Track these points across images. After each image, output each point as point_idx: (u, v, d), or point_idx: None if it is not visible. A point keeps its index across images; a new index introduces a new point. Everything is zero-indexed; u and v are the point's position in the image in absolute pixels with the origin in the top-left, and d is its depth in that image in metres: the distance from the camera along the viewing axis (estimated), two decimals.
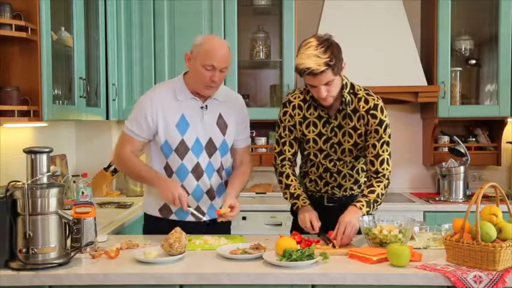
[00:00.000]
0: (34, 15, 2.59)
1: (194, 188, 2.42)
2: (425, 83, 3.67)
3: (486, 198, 3.23)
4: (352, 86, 2.38)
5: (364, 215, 2.23)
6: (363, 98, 2.36)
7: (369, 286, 1.85)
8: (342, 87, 2.33)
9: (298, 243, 2.07)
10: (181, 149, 2.38)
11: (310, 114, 2.41)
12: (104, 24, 3.50)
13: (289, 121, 2.44)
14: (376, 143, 2.34)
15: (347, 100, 2.34)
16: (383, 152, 2.35)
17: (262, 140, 3.95)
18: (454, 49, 3.81)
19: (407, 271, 1.86)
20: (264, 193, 3.87)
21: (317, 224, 2.28)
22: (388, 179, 2.36)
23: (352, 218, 2.19)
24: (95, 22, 3.41)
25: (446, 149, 3.90)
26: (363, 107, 2.35)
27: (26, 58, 2.61)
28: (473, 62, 3.90)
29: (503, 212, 1.93)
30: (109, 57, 3.56)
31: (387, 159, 2.35)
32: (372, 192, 2.30)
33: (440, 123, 3.84)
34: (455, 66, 3.82)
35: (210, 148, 2.42)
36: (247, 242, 2.18)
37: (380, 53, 3.69)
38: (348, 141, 2.39)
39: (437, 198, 3.72)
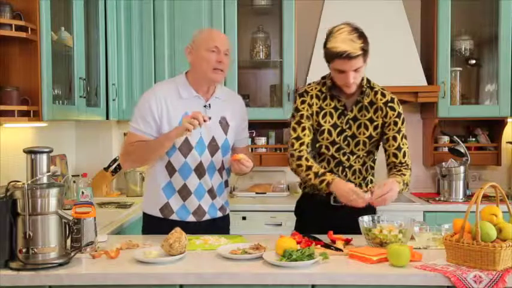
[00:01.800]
0: (34, 15, 2.59)
1: (196, 186, 2.41)
2: (425, 83, 3.67)
3: (486, 198, 3.23)
4: (368, 80, 2.44)
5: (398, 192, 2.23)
6: (380, 91, 2.43)
7: (369, 286, 1.85)
8: (361, 79, 2.37)
9: (298, 243, 2.07)
10: (185, 147, 2.37)
11: (326, 105, 2.43)
12: (104, 24, 3.50)
13: (307, 110, 2.42)
14: (397, 135, 2.39)
15: (366, 91, 2.38)
16: (403, 145, 2.40)
17: (262, 140, 3.95)
18: (454, 49, 3.82)
19: (407, 271, 1.86)
20: (264, 193, 3.87)
21: (363, 194, 2.19)
22: (410, 169, 2.40)
23: (396, 187, 2.20)
24: (95, 22, 3.41)
25: (446, 149, 3.90)
26: (381, 99, 2.40)
27: (26, 58, 2.61)
28: (473, 62, 3.91)
29: (503, 212, 1.92)
30: (109, 57, 3.57)
31: (407, 152, 2.41)
32: (404, 175, 2.33)
33: (440, 123, 3.84)
34: (455, 66, 3.83)
35: (213, 147, 2.42)
36: (247, 242, 2.17)
37: (380, 53, 3.66)
38: (364, 133, 2.41)
39: (437, 198, 3.72)
